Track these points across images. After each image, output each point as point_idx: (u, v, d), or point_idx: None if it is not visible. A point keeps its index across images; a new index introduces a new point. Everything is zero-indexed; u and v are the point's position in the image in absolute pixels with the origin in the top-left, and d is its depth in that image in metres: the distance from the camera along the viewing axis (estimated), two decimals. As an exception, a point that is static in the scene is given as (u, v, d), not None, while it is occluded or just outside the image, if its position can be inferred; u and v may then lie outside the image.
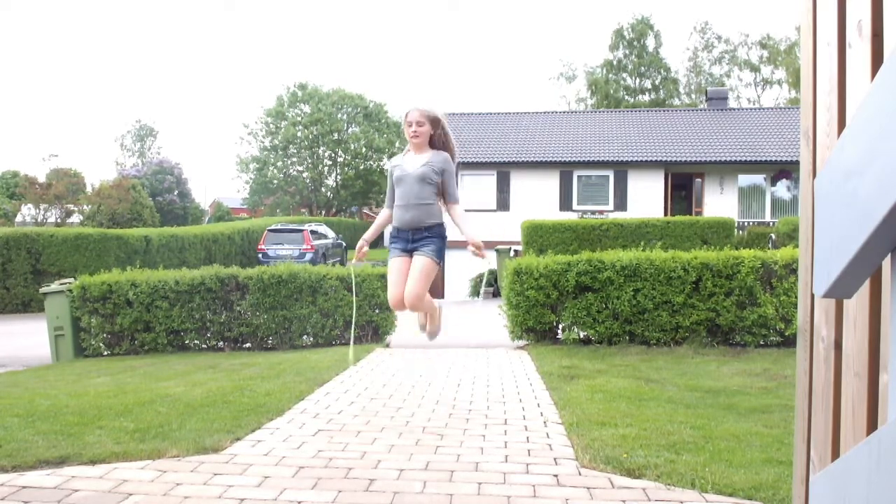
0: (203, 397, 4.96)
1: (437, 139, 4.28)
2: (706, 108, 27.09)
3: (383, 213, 4.44)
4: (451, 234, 4.41)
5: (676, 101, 42.72)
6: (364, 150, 43.71)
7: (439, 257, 4.20)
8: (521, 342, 7.89)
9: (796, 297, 4.48)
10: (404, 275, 4.17)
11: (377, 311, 8.46)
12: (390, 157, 43.66)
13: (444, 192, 4.25)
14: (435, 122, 4.23)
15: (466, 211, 4.37)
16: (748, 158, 21.45)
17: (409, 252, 4.20)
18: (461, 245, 4.67)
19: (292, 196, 44.18)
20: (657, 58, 42.98)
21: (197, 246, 20.91)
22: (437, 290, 11.58)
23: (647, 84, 43.50)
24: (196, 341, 8.62)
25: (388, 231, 4.39)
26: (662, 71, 43.24)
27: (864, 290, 1.22)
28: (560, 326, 7.76)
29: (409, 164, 4.26)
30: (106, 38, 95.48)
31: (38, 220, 26.50)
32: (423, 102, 4.35)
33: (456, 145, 4.40)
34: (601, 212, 21.05)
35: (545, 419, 4.37)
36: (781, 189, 22.24)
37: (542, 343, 7.70)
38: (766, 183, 22.19)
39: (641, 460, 3.36)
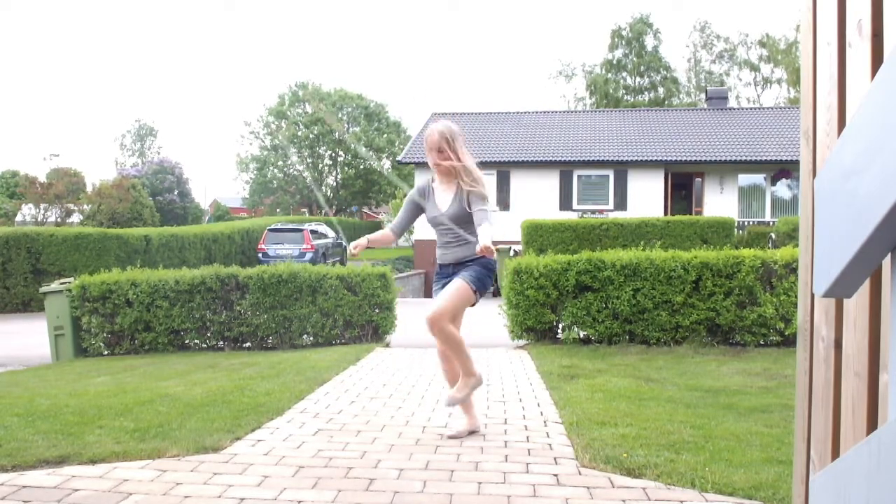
0: (203, 397, 4.96)
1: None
2: (706, 108, 27.11)
3: (386, 233, 4.11)
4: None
5: (676, 101, 42.73)
6: (364, 149, 43.71)
7: (478, 286, 3.84)
8: (521, 342, 7.89)
9: (796, 297, 4.48)
10: None
11: (377, 310, 8.46)
12: (390, 156, 43.64)
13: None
14: (453, 141, 3.80)
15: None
16: (748, 158, 21.46)
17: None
18: None
19: (292, 196, 44.21)
20: (656, 57, 43.00)
21: (197, 245, 20.90)
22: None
23: (647, 83, 43.51)
24: (196, 341, 8.62)
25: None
26: (662, 70, 43.25)
27: (864, 289, 1.22)
28: (560, 326, 7.76)
29: (440, 200, 3.91)
30: (106, 38, 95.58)
31: (38, 219, 26.49)
32: (442, 123, 3.87)
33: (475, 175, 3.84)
34: (601, 211, 21.05)
35: (545, 419, 4.37)
36: (781, 188, 22.25)
37: (542, 342, 7.70)
38: (766, 182, 22.19)
39: (641, 460, 3.36)
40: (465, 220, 3.86)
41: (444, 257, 3.97)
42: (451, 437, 3.89)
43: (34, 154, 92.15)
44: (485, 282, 3.88)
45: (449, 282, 3.89)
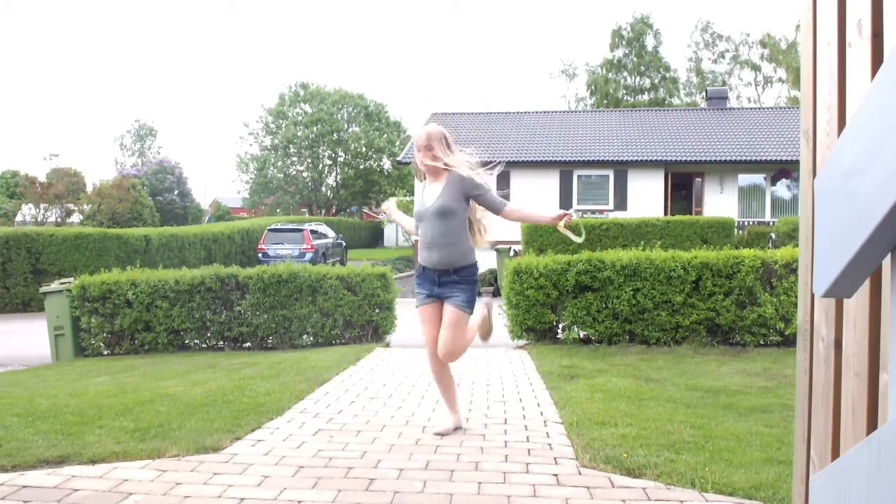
0: (203, 397, 4.96)
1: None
2: (706, 108, 27.09)
3: (411, 223, 4.16)
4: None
5: (676, 101, 42.73)
6: (364, 149, 43.70)
7: (470, 306, 3.86)
8: (521, 342, 7.89)
9: (796, 297, 4.48)
10: (436, 324, 3.92)
11: (377, 310, 8.46)
12: (390, 156, 43.64)
13: (487, 207, 3.84)
14: (441, 141, 3.81)
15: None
16: (748, 158, 21.45)
17: (436, 297, 3.88)
18: None
19: (292, 196, 44.18)
20: (657, 57, 43.00)
21: (197, 245, 20.89)
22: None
23: (647, 83, 43.51)
24: (196, 341, 8.62)
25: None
26: (662, 70, 43.25)
27: (864, 289, 1.22)
28: (560, 326, 7.76)
29: (427, 195, 3.88)
30: (106, 38, 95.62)
31: (39, 219, 26.48)
32: (428, 125, 3.94)
33: (463, 161, 3.83)
34: (601, 211, 21.04)
35: (545, 419, 4.37)
36: (781, 188, 22.23)
37: (542, 342, 7.70)
38: (766, 182, 22.18)
39: (641, 460, 3.36)
40: (450, 215, 3.75)
41: (428, 258, 3.85)
42: (436, 434, 3.97)
43: (34, 154, 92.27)
44: (474, 298, 3.93)
45: (433, 296, 3.88)
